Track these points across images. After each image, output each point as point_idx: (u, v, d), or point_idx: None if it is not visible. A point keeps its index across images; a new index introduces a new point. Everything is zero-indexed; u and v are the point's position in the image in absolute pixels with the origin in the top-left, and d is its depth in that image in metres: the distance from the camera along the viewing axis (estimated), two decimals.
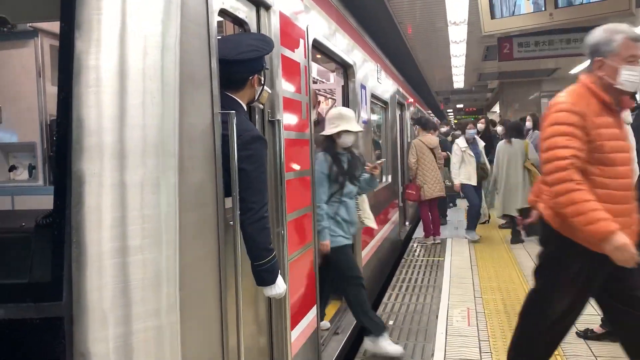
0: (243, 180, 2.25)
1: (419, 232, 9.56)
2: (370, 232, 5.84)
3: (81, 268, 1.71)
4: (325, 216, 3.91)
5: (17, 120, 3.22)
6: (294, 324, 3.21)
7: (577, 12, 5.06)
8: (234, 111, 2.23)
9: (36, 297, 1.73)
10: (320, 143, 4.12)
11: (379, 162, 4.36)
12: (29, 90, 3.17)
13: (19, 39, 3.11)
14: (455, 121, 31.91)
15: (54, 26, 3.16)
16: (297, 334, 3.29)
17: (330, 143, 4.07)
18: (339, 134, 4.01)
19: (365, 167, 4.26)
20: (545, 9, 5.23)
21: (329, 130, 4.03)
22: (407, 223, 10.18)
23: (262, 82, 2.57)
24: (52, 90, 3.19)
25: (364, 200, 4.69)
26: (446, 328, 4.66)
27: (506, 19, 5.56)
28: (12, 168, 3.30)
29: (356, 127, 4.11)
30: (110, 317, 1.74)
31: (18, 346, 1.74)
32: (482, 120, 10.19)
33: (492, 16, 5.66)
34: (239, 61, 2.36)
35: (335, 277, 4.23)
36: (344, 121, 4.02)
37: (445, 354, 4.10)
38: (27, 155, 3.26)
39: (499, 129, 9.52)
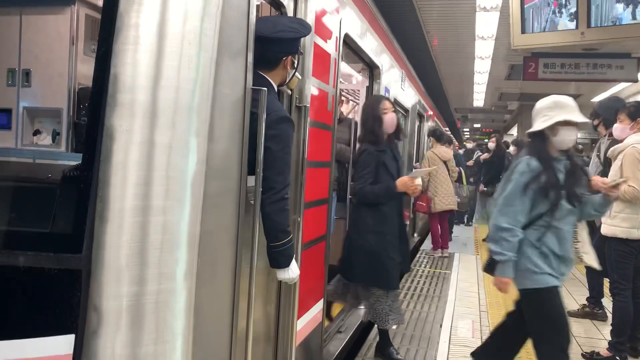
0: (267, 159, 2.25)
1: (427, 245, 9.52)
2: None
3: (103, 223, 1.72)
4: (517, 243, 2.95)
5: (46, 85, 3.24)
6: (301, 314, 3.20)
7: (609, 33, 5.02)
8: (265, 88, 2.23)
9: (56, 247, 1.74)
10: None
11: (619, 180, 3.12)
12: (61, 57, 3.19)
13: (56, 5, 3.14)
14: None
15: None
16: (302, 325, 3.27)
17: (538, 143, 3.03)
18: (554, 128, 2.96)
19: (594, 184, 3.12)
20: (577, 28, 5.21)
21: (539, 124, 3.01)
22: (415, 235, 10.14)
23: (295, 66, 2.58)
24: (83, 58, 3.22)
25: (584, 229, 3.41)
26: (450, 337, 4.61)
27: (537, 34, 5.54)
28: (36, 132, 3.32)
29: (581, 117, 3.01)
30: (126, 275, 1.74)
31: (34, 294, 1.75)
32: (494, 139, 10.22)
33: (523, 30, 5.64)
34: (276, 39, 2.36)
35: (525, 329, 3.17)
36: (562, 110, 2.96)
37: None
38: (52, 121, 3.29)
39: (512, 148, 9.65)
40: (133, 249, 1.74)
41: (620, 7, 5.05)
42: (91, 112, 1.78)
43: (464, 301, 5.86)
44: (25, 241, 1.76)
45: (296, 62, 2.56)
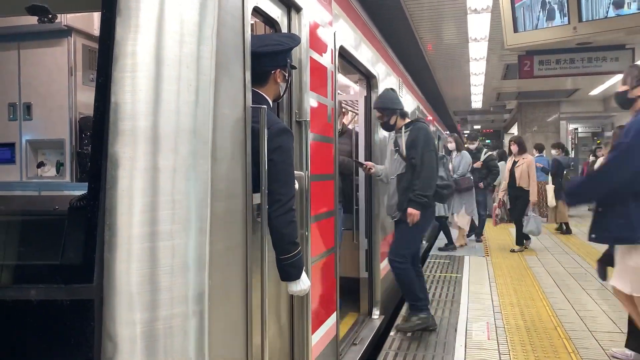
0: (271, 171, 2.26)
1: (435, 250, 9.49)
2: (388, 245, 5.80)
3: (112, 251, 1.72)
4: None
5: (47, 117, 3.27)
6: (315, 328, 3.18)
7: (600, 26, 5.03)
8: (265, 106, 2.24)
9: (67, 278, 1.74)
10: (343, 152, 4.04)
11: None
12: (60, 88, 3.22)
13: (53, 37, 3.17)
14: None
15: (88, 26, 3.25)
16: (317, 339, 3.26)
17: None
18: None
19: None
20: (569, 23, 5.23)
21: None
22: (424, 241, 10.11)
23: (287, 79, 2.60)
24: (83, 88, 3.25)
25: None
26: (465, 341, 4.58)
27: (529, 32, 5.56)
28: (40, 164, 3.34)
29: None
30: (138, 302, 1.74)
31: (48, 327, 1.75)
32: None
33: (515, 29, 5.66)
34: (262, 53, 2.38)
35: None
36: None
37: None
38: (55, 152, 3.31)
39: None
40: (144, 275, 1.74)
41: None
42: (94, 140, 1.79)
43: (476, 304, 5.82)
44: (36, 274, 1.76)
45: (287, 75, 2.58)
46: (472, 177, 8.99)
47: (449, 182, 5.05)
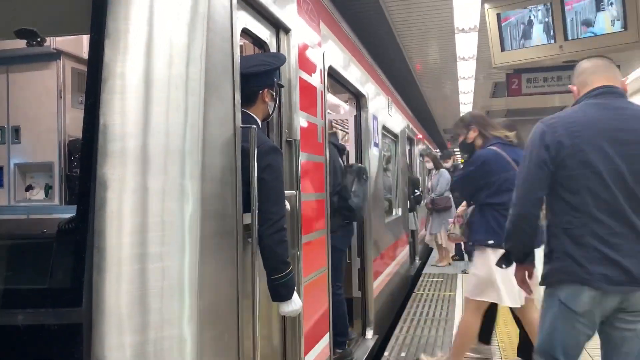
0: (262, 190, 2.25)
1: (428, 268, 9.47)
2: (381, 264, 5.79)
3: (101, 273, 1.70)
4: None
5: (36, 140, 3.26)
6: (308, 349, 3.15)
7: (586, 44, 5.12)
8: (254, 126, 2.25)
9: (55, 302, 1.72)
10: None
11: None
12: (49, 111, 3.22)
13: (42, 60, 3.18)
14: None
15: (77, 49, 3.26)
16: None
17: None
18: None
19: None
20: (555, 41, 5.31)
21: None
22: (417, 259, 10.10)
23: (275, 98, 2.61)
24: (71, 111, 3.25)
25: None
26: None
27: (516, 51, 5.64)
28: (28, 188, 3.32)
29: None
30: (128, 325, 1.72)
31: (36, 352, 1.72)
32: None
33: (502, 48, 5.75)
34: (249, 74, 2.40)
35: None
36: None
37: None
38: (44, 175, 3.29)
39: None
40: (133, 298, 1.72)
41: (594, 17, 5.17)
42: (83, 162, 1.78)
43: None
44: (23, 299, 1.74)
45: (275, 94, 2.59)
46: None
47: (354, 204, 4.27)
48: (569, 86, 2.77)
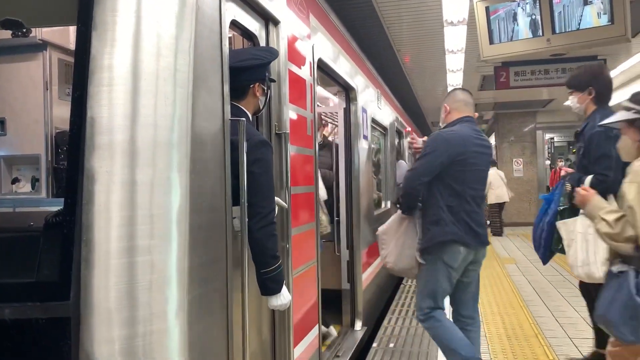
0: (251, 184, 2.25)
1: None
2: (370, 256, 5.81)
3: (89, 267, 1.69)
4: None
5: (22, 132, 3.22)
6: (297, 341, 3.16)
7: (573, 37, 5.16)
8: (244, 119, 2.24)
9: (43, 296, 1.71)
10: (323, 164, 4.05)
11: None
12: (36, 103, 3.18)
13: (28, 52, 3.13)
14: None
15: (63, 39, 3.22)
16: (299, 353, 3.23)
17: None
18: None
19: None
20: (542, 35, 5.34)
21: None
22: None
23: (266, 93, 2.60)
24: (59, 103, 3.20)
25: None
26: None
27: (504, 44, 5.66)
28: (14, 180, 3.28)
29: None
30: (117, 318, 1.71)
31: (24, 346, 1.71)
32: None
33: (491, 41, 5.77)
34: (239, 68, 2.39)
35: None
36: None
37: None
38: (30, 167, 3.25)
39: None
40: (122, 291, 1.72)
41: (581, 11, 5.21)
42: (70, 155, 1.77)
43: None
44: (10, 293, 1.72)
45: (266, 88, 2.58)
46: None
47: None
48: (444, 104, 3.73)
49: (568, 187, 3.39)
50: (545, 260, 3.76)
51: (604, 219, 2.52)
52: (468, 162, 3.40)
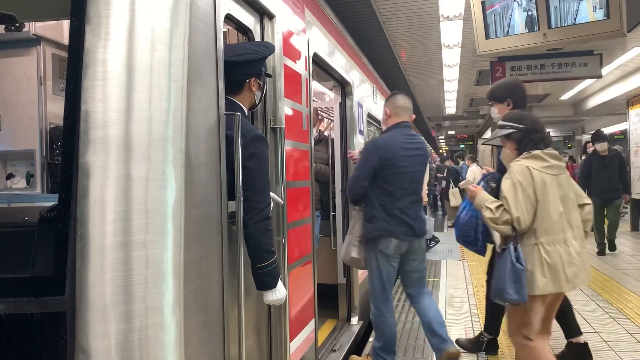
0: (246, 179, 2.25)
1: None
2: None
3: (84, 262, 1.69)
4: None
5: (16, 128, 3.21)
6: (293, 335, 3.17)
7: (570, 32, 5.15)
8: (239, 113, 2.24)
9: (38, 291, 1.71)
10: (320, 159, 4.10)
11: None
12: (30, 98, 3.17)
13: (22, 47, 3.12)
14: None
15: (57, 34, 3.20)
16: (296, 346, 3.24)
17: None
18: None
19: None
20: (539, 30, 5.34)
21: None
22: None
23: (262, 87, 2.60)
24: (53, 98, 3.19)
25: None
26: None
27: (501, 39, 5.65)
28: (9, 176, 3.27)
29: None
30: (112, 313, 1.72)
31: (18, 342, 1.71)
32: None
33: (487, 36, 5.76)
34: (235, 63, 2.38)
35: None
36: None
37: None
38: (25, 163, 3.24)
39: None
40: (117, 286, 1.72)
41: (577, 6, 5.20)
42: (65, 150, 1.76)
43: (454, 307, 5.87)
44: (5, 288, 1.72)
45: (262, 83, 2.58)
46: None
47: None
48: (385, 108, 4.14)
49: (492, 184, 3.61)
50: (484, 252, 3.95)
51: (488, 208, 3.17)
52: (397, 165, 3.83)
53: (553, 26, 5.31)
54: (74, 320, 1.68)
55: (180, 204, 1.85)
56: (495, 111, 4.20)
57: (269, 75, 2.70)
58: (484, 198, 3.27)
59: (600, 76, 8.66)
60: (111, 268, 1.71)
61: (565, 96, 14.89)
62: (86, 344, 1.68)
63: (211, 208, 2.10)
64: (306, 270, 3.51)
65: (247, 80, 2.50)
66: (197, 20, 2.01)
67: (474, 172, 12.32)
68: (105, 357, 1.69)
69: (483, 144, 4.23)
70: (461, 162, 15.37)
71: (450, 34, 7.83)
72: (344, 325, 5.06)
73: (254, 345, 2.70)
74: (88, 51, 1.74)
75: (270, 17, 2.86)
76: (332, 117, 6.37)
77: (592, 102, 14.78)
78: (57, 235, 1.71)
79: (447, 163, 17.11)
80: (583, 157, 8.45)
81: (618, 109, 14.80)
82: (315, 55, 3.80)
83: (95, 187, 1.71)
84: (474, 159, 14.62)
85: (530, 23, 5.45)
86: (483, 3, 5.86)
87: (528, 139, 3.23)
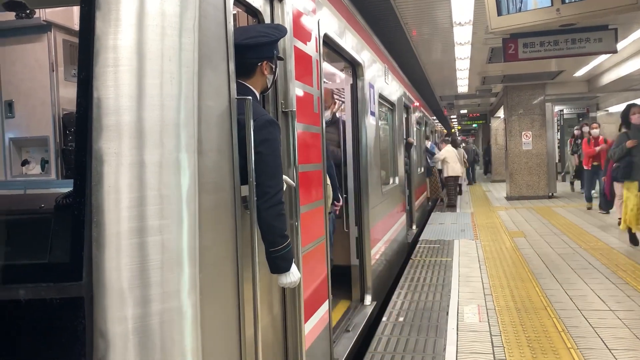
0: (259, 164, 2.25)
1: (426, 235, 9.55)
2: (378, 233, 5.83)
3: (100, 248, 1.71)
4: None
5: (30, 114, 3.23)
6: (307, 316, 3.20)
7: (584, 7, 5.04)
8: (250, 97, 2.23)
9: (56, 277, 1.73)
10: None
11: None
12: (42, 84, 3.17)
13: (33, 33, 3.12)
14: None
15: (68, 20, 3.19)
16: (310, 328, 3.27)
17: None
18: None
19: None
20: (552, 5, 5.23)
21: None
22: (414, 227, 10.18)
23: (274, 71, 2.58)
24: (65, 84, 3.20)
25: None
26: (457, 324, 4.63)
27: (513, 15, 5.55)
28: (24, 162, 3.30)
29: None
30: (129, 298, 1.74)
31: (38, 326, 1.74)
32: None
33: (499, 13, 5.65)
34: (247, 46, 2.37)
35: None
36: None
37: (457, 348, 4.08)
38: (39, 149, 3.27)
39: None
40: (134, 271, 1.74)
41: None
42: (78, 137, 1.77)
43: (467, 287, 5.88)
44: (24, 274, 1.75)
45: (274, 66, 2.56)
46: None
47: None
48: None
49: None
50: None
51: None
52: None
53: (567, 1, 5.20)
54: (92, 305, 1.70)
55: (193, 189, 1.86)
56: None
57: (280, 59, 2.67)
58: None
59: (615, 51, 8.49)
60: (127, 254, 1.73)
61: (580, 72, 14.64)
62: (104, 328, 1.70)
63: (224, 193, 2.10)
64: (319, 252, 3.52)
65: (259, 64, 2.49)
66: (207, 4, 1.99)
67: (447, 151, 14.16)
68: (123, 341, 1.72)
69: None
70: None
71: (462, 11, 7.71)
72: (358, 305, 5.09)
73: (268, 327, 2.73)
74: (99, 37, 1.74)
75: None
76: (343, 98, 6.33)
77: (607, 78, 14.51)
78: (73, 221, 1.73)
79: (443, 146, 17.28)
80: (623, 130, 7.60)
81: (634, 84, 14.55)
82: (325, 36, 3.76)
83: (110, 174, 1.72)
84: (452, 142, 15.75)
85: None
86: None
87: None
